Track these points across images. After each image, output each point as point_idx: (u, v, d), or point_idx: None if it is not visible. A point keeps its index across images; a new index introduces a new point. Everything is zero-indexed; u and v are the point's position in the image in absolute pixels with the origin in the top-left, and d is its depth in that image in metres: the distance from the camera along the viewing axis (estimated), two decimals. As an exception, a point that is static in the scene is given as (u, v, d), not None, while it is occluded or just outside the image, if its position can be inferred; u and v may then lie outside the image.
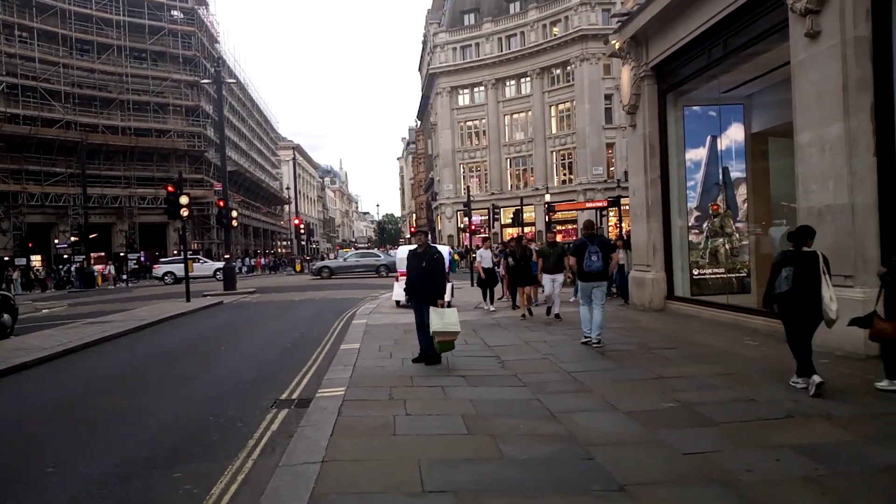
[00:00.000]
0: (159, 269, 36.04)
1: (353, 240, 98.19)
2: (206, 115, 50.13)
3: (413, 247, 8.67)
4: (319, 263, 37.87)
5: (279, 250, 74.01)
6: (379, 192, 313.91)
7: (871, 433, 4.67)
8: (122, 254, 42.76)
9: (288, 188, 73.49)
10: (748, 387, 6.09)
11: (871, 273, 7.15)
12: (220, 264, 29.21)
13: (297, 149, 78.51)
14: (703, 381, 6.43)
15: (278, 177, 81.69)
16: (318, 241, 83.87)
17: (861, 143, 7.17)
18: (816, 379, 5.62)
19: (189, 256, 24.21)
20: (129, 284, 36.83)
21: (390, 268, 27.94)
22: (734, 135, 11.87)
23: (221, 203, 25.12)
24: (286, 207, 79.07)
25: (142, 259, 43.53)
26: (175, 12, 49.48)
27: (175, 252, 42.37)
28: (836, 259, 6.92)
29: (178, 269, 31.53)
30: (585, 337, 8.85)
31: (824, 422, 4.98)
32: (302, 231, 56.41)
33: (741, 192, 11.79)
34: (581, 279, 8.84)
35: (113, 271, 38.13)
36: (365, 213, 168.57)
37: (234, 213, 26.63)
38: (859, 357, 6.98)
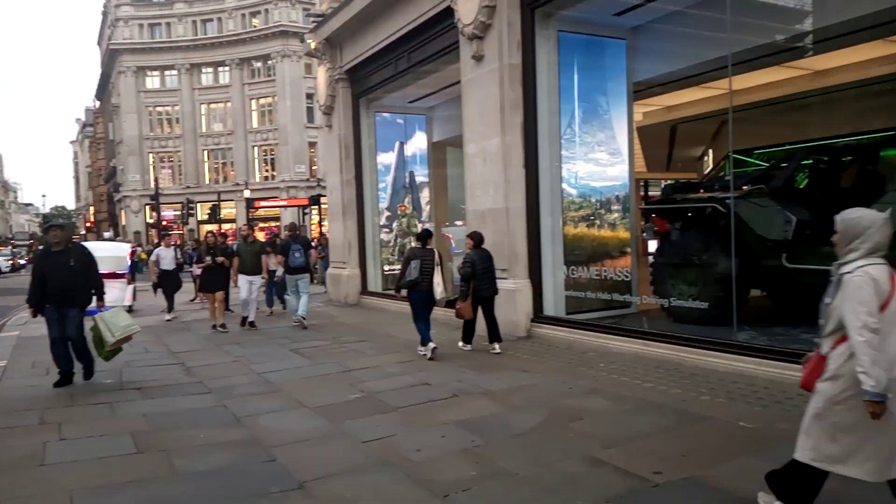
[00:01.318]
0: None
1: (10, 236, 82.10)
2: None
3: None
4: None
5: None
6: (47, 180, 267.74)
7: (516, 403, 5.46)
8: None
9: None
10: (424, 372, 6.67)
11: (522, 266, 8.44)
12: None
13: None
14: (387, 371, 6.85)
15: None
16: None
17: (514, 156, 8.38)
18: (431, 345, 7.33)
19: None
20: None
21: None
22: (419, 142, 12.94)
23: None
24: None
25: None
26: None
27: None
28: (496, 255, 7.98)
29: None
30: (295, 320, 10.33)
31: (483, 397, 5.68)
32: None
33: (425, 195, 12.90)
34: (288, 273, 10.40)
35: None
36: (27, 205, 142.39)
37: None
38: (512, 339, 8.14)
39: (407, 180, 13.07)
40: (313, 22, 13.92)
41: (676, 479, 3.73)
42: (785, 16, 8.21)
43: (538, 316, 8.40)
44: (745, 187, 7.71)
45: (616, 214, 8.91)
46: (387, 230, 13.12)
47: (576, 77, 8.55)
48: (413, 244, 8.45)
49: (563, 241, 8.54)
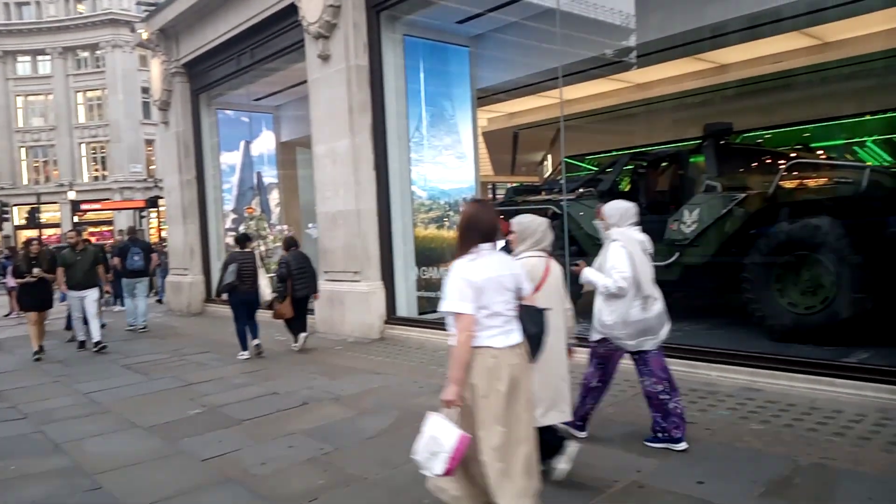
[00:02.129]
0: None
1: None
2: None
3: None
4: None
5: None
6: None
7: (367, 407, 5.43)
8: None
9: None
10: (272, 381, 6.43)
11: (375, 268, 8.42)
12: None
13: None
14: (232, 382, 6.52)
15: None
16: None
17: (363, 158, 8.35)
18: (254, 344, 7.72)
19: None
20: None
21: None
22: (266, 142, 12.48)
23: None
24: None
25: None
26: None
27: None
28: (348, 258, 7.92)
29: None
30: (130, 326, 10.37)
31: (334, 403, 5.59)
32: None
33: (274, 197, 12.47)
34: (125, 276, 10.35)
35: None
36: None
37: None
38: (366, 341, 8.12)
39: (254, 181, 12.56)
40: (145, 11, 12.93)
41: (518, 468, 3.90)
42: (610, 31, 8.94)
43: (391, 317, 8.43)
44: (580, 190, 8.29)
45: (464, 216, 9.18)
46: (232, 233, 12.50)
47: (422, 81, 8.70)
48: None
49: (414, 242, 8.65)
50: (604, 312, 4.01)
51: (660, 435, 4.02)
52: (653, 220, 7.32)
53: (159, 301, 14.10)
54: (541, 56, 8.29)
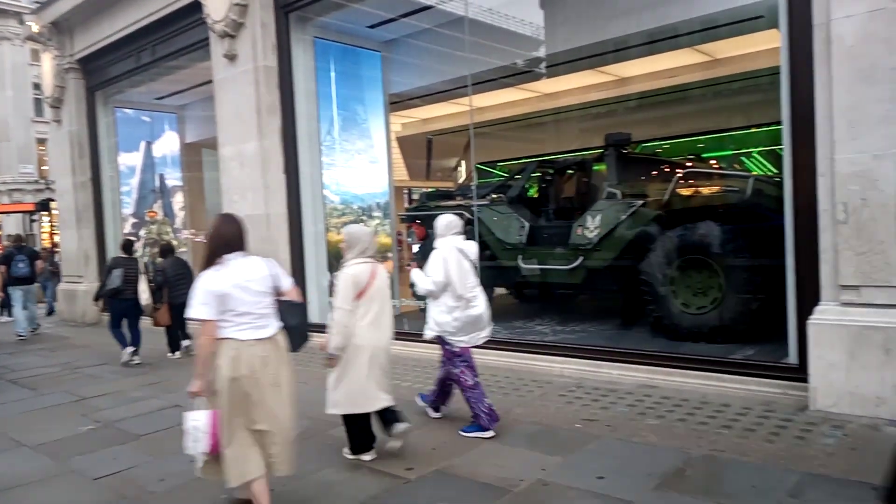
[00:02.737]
0: None
1: None
2: None
3: None
4: None
5: None
6: None
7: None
8: None
9: None
10: (174, 393, 6.13)
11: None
12: None
13: None
14: (130, 395, 6.19)
15: None
16: None
17: (273, 161, 8.15)
18: (128, 350, 7.69)
19: None
20: None
21: None
22: (169, 143, 11.95)
23: None
24: None
25: None
26: None
27: None
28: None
29: None
30: (20, 336, 10.10)
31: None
32: None
33: (178, 200, 11.96)
34: (12, 284, 10.10)
35: None
36: None
37: None
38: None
39: (157, 184, 11.99)
40: (35, 2, 12.08)
41: (427, 472, 3.92)
42: (520, 42, 9.18)
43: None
44: (494, 196, 8.45)
45: (377, 221, 9.15)
46: (132, 238, 11.86)
47: (334, 84, 8.60)
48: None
49: (326, 247, 8.52)
50: (434, 312, 4.52)
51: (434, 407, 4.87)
52: (560, 226, 7.59)
53: (50, 312, 13.10)
54: (453, 63, 8.40)
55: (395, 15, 8.55)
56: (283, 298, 3.42)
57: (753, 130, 8.41)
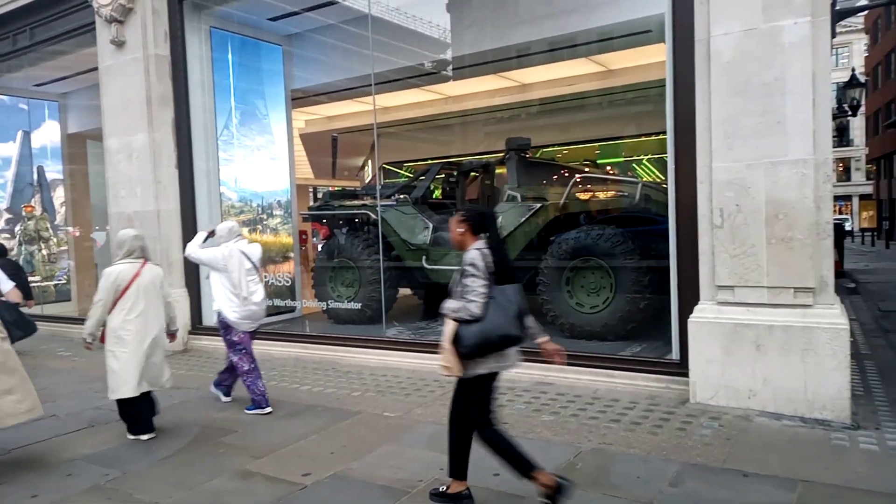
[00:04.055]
0: None
1: None
2: None
3: None
4: None
5: None
6: None
7: (164, 425, 5.00)
8: None
9: None
10: (53, 402, 5.68)
11: (178, 273, 7.85)
12: None
13: None
14: None
15: None
16: None
17: (164, 154, 7.74)
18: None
19: None
20: None
21: None
22: (50, 133, 11.09)
23: None
24: None
25: None
26: None
27: None
28: (144, 263, 7.25)
29: None
30: None
31: (124, 424, 5.10)
32: None
33: (59, 195, 11.12)
34: None
35: None
36: None
37: None
38: (167, 353, 7.50)
39: (35, 176, 11.08)
40: None
41: (324, 477, 3.84)
42: (426, 43, 9.21)
43: (197, 327, 7.91)
44: (402, 196, 8.43)
45: (278, 220, 8.90)
46: (6, 235, 10.91)
47: (232, 77, 8.28)
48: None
49: (223, 246, 8.17)
50: (221, 300, 5.17)
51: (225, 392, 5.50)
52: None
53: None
54: (357, 61, 8.31)
55: (298, 8, 8.35)
56: (2, 299, 4.62)
57: (644, 139, 8.87)
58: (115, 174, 8.00)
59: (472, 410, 3.31)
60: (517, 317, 3.16)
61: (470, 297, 3.09)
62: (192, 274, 7.89)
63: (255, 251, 5.34)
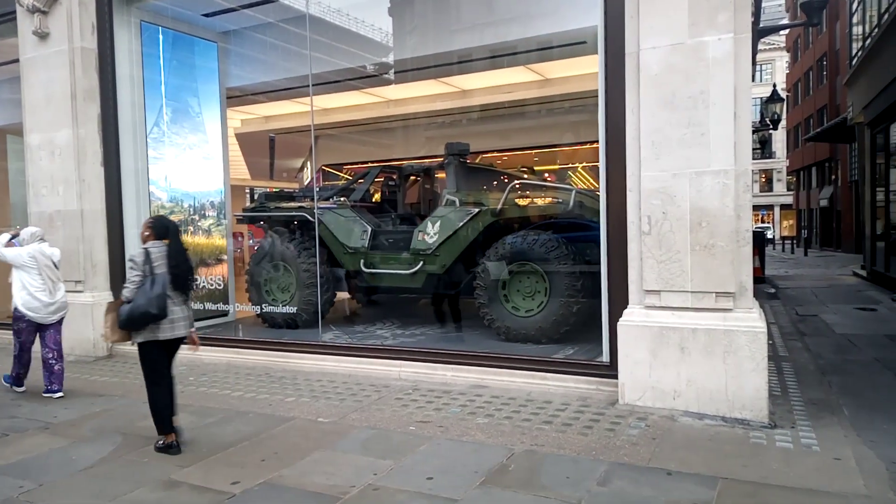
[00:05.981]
0: None
1: None
2: None
3: None
4: None
5: None
6: None
7: (85, 434, 4.80)
8: None
9: None
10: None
11: (102, 276, 7.53)
12: None
13: None
14: None
15: None
16: None
17: (89, 152, 7.42)
18: None
19: None
20: None
21: None
22: (-36, 126, 10.43)
23: None
24: None
25: None
26: None
27: None
28: (69, 263, 6.96)
29: None
30: None
31: (42, 433, 4.85)
32: None
33: (-26, 192, 10.47)
34: None
35: None
36: None
37: None
38: (90, 360, 7.21)
39: (-54, 172, 10.41)
40: None
41: (254, 485, 3.76)
42: (367, 46, 9.16)
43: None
44: (340, 199, 8.34)
45: (211, 221, 8.65)
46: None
47: (163, 72, 8.01)
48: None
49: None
50: (19, 293, 5.70)
51: (49, 387, 5.81)
52: (402, 231, 7.68)
53: None
54: (295, 60, 8.18)
55: (234, 5, 8.16)
56: None
57: (579, 147, 9.09)
58: (36, 171, 7.62)
59: (144, 369, 4.36)
60: (159, 300, 4.11)
61: (126, 284, 4.20)
62: (118, 276, 7.57)
63: (57, 253, 6.00)
